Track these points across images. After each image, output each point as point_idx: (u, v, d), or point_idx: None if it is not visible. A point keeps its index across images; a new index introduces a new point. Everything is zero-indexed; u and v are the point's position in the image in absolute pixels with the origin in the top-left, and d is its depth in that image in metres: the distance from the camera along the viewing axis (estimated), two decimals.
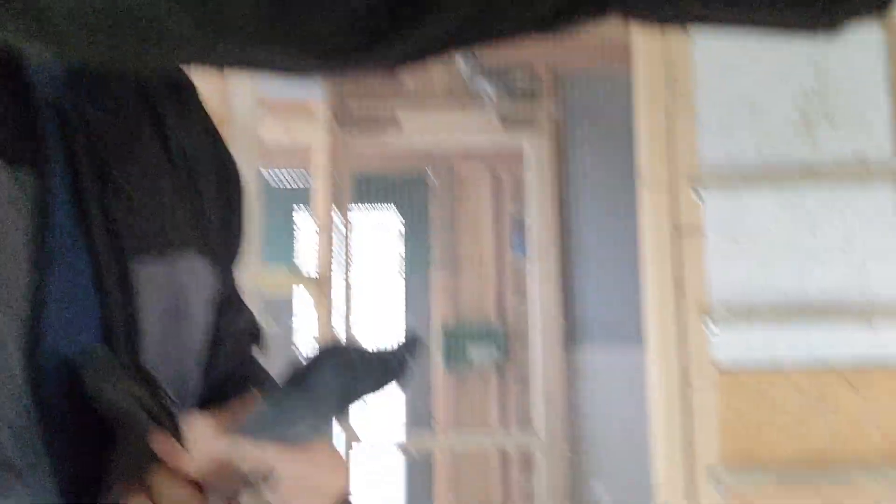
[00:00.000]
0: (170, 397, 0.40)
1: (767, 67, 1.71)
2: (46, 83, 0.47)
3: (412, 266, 4.25)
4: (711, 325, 1.60)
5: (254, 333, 0.68)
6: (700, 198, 1.65)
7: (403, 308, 4.33)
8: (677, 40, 1.69)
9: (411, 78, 3.75)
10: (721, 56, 1.71)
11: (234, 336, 0.64)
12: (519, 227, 3.96)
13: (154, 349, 0.48)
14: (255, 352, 0.68)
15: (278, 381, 0.44)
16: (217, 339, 0.60)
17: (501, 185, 4.06)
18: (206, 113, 0.63)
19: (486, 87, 3.52)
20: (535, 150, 3.60)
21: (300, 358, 0.43)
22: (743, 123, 1.69)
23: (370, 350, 0.43)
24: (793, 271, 1.64)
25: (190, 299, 0.52)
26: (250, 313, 0.68)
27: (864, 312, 1.58)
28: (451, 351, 3.87)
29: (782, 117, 1.69)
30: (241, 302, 0.66)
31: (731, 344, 1.62)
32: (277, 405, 0.42)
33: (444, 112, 3.56)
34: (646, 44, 1.70)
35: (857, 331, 1.62)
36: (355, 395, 0.43)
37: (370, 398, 0.44)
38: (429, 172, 4.13)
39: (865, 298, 1.63)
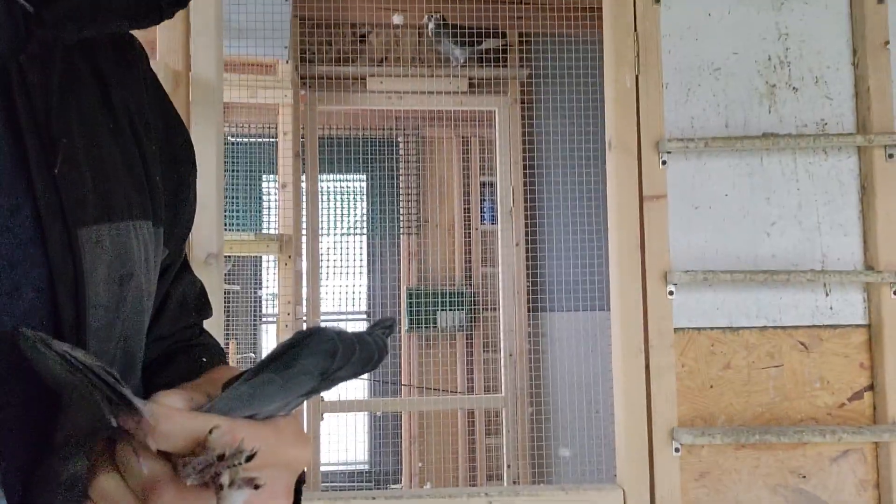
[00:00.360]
0: (109, 372, 0.39)
1: (733, 35, 1.73)
2: None
3: (379, 229, 4.24)
4: (671, 289, 1.64)
5: (200, 302, 0.69)
6: (664, 163, 1.67)
7: (370, 271, 4.33)
8: (646, 6, 1.70)
9: (379, 40, 3.70)
10: (688, 23, 1.72)
11: (178, 301, 0.65)
12: (488, 192, 3.97)
13: (101, 313, 0.49)
14: (203, 320, 0.70)
15: (259, 361, 0.44)
16: (162, 304, 0.61)
17: (469, 149, 4.05)
18: (153, 77, 0.64)
19: (455, 51, 3.49)
20: (503, 114, 3.60)
21: (283, 341, 0.44)
22: (707, 90, 1.71)
23: (352, 335, 0.43)
24: (749, 237, 1.69)
25: (134, 264, 0.52)
26: (199, 283, 0.69)
27: (816, 277, 1.63)
28: (417, 315, 3.90)
29: (746, 85, 1.72)
30: (188, 269, 0.67)
31: (688, 307, 1.66)
32: (254, 386, 0.42)
33: (413, 75, 3.53)
34: (615, 9, 1.70)
35: (810, 295, 1.67)
36: (334, 380, 0.43)
37: (345, 381, 0.45)
38: (396, 135, 4.10)
39: (818, 264, 1.68)
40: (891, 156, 1.66)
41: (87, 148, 0.51)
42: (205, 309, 0.70)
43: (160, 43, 1.67)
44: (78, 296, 0.47)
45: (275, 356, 0.41)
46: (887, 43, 1.68)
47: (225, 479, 0.39)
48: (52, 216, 0.47)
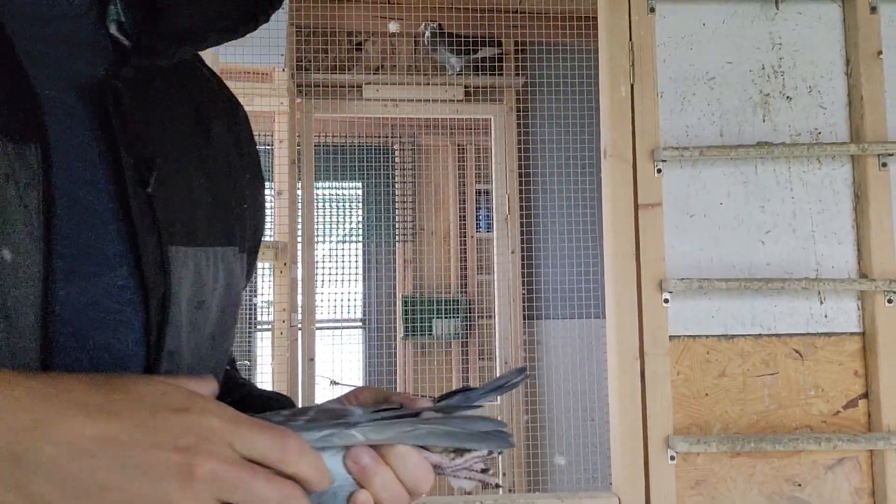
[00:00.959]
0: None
1: (727, 45, 1.74)
2: (82, 66, 0.48)
3: (375, 237, 4.24)
4: (666, 297, 1.64)
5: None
6: (659, 172, 1.68)
7: (365, 279, 4.33)
8: (641, 16, 1.71)
9: (376, 49, 3.71)
10: (682, 32, 1.73)
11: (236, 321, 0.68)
12: (484, 200, 3.97)
13: (176, 334, 0.49)
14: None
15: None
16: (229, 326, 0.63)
17: (465, 157, 4.06)
18: (247, 121, 0.67)
19: (451, 59, 3.50)
20: (498, 122, 3.61)
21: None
22: (702, 99, 1.72)
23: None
24: (743, 245, 1.69)
25: (207, 292, 0.53)
26: None
27: (810, 285, 1.63)
28: (413, 323, 3.89)
29: (741, 94, 1.73)
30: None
31: (683, 315, 1.67)
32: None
33: (409, 83, 3.54)
34: (610, 19, 1.71)
35: (804, 303, 1.68)
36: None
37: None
38: (392, 143, 4.11)
39: (812, 272, 1.69)
40: (884, 165, 1.67)
41: (177, 170, 0.52)
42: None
43: None
44: (163, 314, 0.48)
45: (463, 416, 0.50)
46: (880, 53, 1.69)
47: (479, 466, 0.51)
48: (146, 232, 0.47)
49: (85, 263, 0.45)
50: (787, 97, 1.73)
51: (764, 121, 1.72)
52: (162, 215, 0.48)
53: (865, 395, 1.66)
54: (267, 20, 0.56)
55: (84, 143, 0.47)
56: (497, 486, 0.53)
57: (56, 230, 0.44)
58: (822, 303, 1.68)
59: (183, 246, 0.50)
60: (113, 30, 0.51)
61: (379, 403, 0.52)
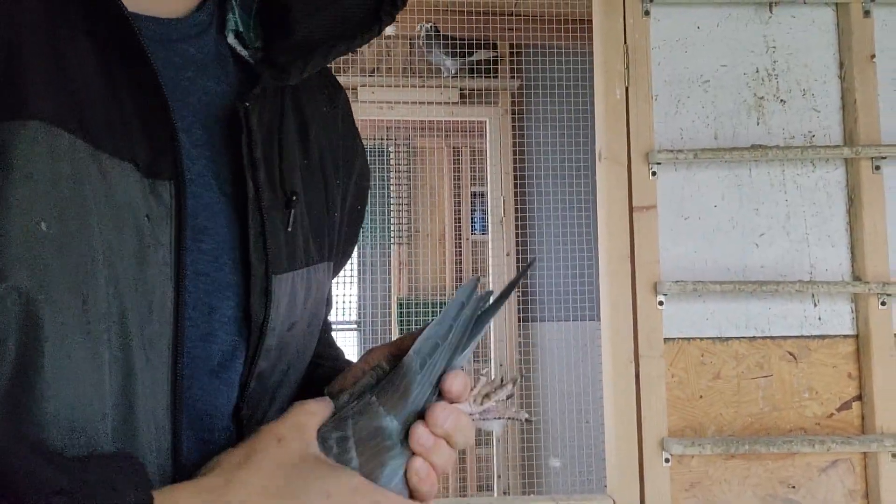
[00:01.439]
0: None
1: (722, 48, 1.74)
2: (210, 87, 0.49)
3: (370, 239, 4.24)
4: (661, 299, 1.64)
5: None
6: (654, 174, 1.68)
7: (360, 281, 4.33)
8: (636, 19, 1.71)
9: (371, 51, 3.71)
10: (677, 35, 1.74)
11: (324, 326, 0.69)
12: (479, 202, 3.97)
13: (271, 356, 0.50)
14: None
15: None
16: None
17: (460, 159, 4.06)
18: (348, 109, 0.65)
19: (446, 61, 3.50)
20: (493, 124, 3.61)
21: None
22: (696, 102, 1.73)
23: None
24: (738, 247, 1.70)
25: (299, 312, 0.54)
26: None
27: (804, 288, 1.64)
28: (408, 325, 3.89)
29: (735, 97, 1.73)
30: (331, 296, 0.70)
31: (678, 317, 1.67)
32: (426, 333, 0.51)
33: (404, 85, 3.54)
34: (605, 22, 1.72)
35: (798, 305, 1.68)
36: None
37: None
38: (387, 145, 4.11)
39: (806, 275, 1.69)
40: (877, 168, 1.67)
41: (307, 196, 0.53)
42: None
43: None
44: (259, 340, 0.49)
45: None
46: (873, 56, 1.70)
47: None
48: (259, 263, 0.48)
49: (205, 296, 0.46)
50: (781, 100, 1.73)
51: (758, 124, 1.73)
52: (271, 243, 0.49)
53: (859, 398, 1.67)
54: (392, 21, 0.55)
55: (210, 172, 0.48)
56: (527, 420, 0.56)
57: (184, 265, 0.45)
58: (815, 305, 1.69)
59: (284, 273, 0.50)
60: (231, 39, 0.51)
61: (391, 359, 0.53)
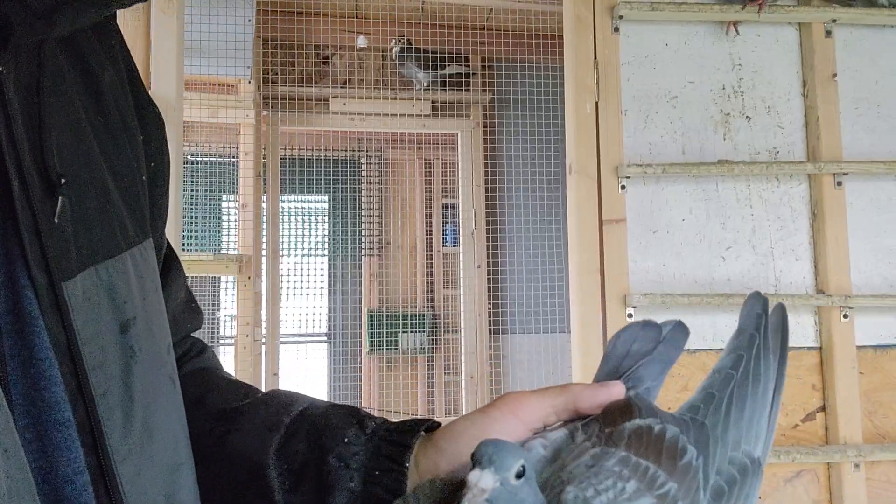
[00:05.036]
0: None
1: (689, 65, 1.77)
2: None
3: (341, 251, 4.22)
4: (630, 311, 1.66)
5: (194, 303, 0.60)
6: (623, 188, 1.70)
7: (331, 293, 4.30)
8: (605, 35, 1.74)
9: (343, 62, 3.71)
10: (646, 52, 1.77)
11: (180, 306, 0.57)
12: (450, 215, 3.98)
13: (103, 375, 0.41)
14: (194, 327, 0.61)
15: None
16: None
17: (432, 171, 4.07)
18: (129, 57, 0.52)
19: (418, 74, 3.52)
20: (465, 137, 3.63)
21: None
22: (665, 117, 1.75)
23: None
24: (705, 261, 1.72)
25: (135, 303, 0.44)
26: (187, 288, 0.60)
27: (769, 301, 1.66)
28: (378, 337, 3.87)
29: (702, 113, 1.76)
30: (176, 265, 0.58)
31: None
32: None
33: (376, 97, 3.54)
34: (576, 38, 1.74)
35: None
36: None
37: None
38: (359, 157, 4.10)
39: (772, 288, 1.72)
40: (839, 183, 1.71)
41: (79, 170, 0.42)
42: (198, 311, 0.60)
43: None
44: (75, 361, 0.39)
45: None
46: (835, 75, 1.74)
47: None
48: (40, 271, 0.38)
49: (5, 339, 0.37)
50: (747, 116, 1.77)
51: (724, 139, 1.76)
52: (55, 243, 0.38)
53: (823, 409, 1.70)
54: None
55: None
56: None
57: None
58: None
59: (82, 272, 0.40)
60: None
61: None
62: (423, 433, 0.48)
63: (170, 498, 0.44)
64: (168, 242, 0.56)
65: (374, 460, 0.47)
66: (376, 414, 0.53)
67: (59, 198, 0.39)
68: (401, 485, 0.46)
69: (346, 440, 0.48)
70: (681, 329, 0.50)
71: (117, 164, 0.46)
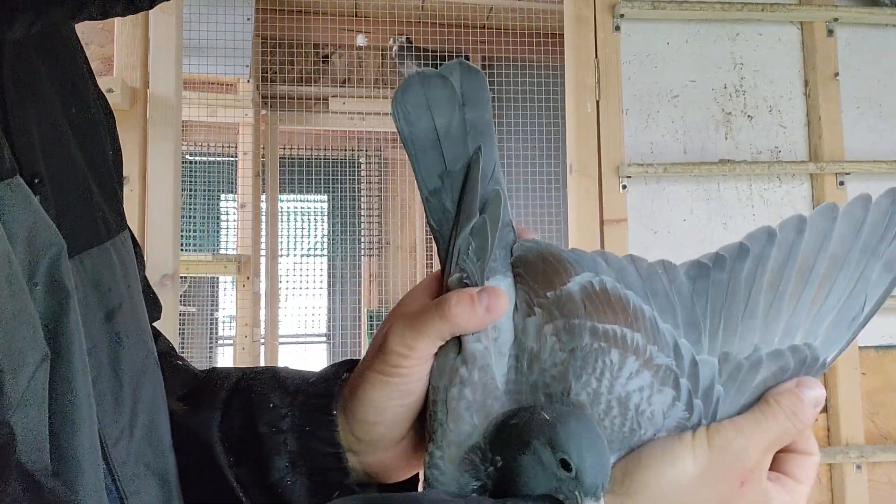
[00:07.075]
0: None
1: (691, 64, 1.77)
2: None
3: (340, 251, 4.21)
4: None
5: (151, 298, 0.59)
6: (624, 188, 1.69)
7: (330, 293, 4.29)
8: (606, 34, 1.73)
9: (342, 61, 3.70)
10: (647, 51, 1.76)
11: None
12: None
13: (103, 368, 0.41)
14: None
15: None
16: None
17: None
18: (85, 53, 0.50)
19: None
20: None
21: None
22: (666, 117, 1.75)
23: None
24: None
25: (120, 290, 0.45)
26: (146, 279, 0.58)
27: None
28: None
29: (704, 112, 1.76)
30: (140, 261, 0.57)
31: None
32: None
33: (375, 96, 3.53)
34: (576, 37, 1.73)
35: None
36: None
37: None
38: (358, 156, 4.09)
39: None
40: (841, 183, 1.70)
41: (55, 164, 0.41)
42: (157, 301, 0.59)
43: (118, 59, 1.64)
44: (65, 346, 0.37)
45: None
46: (837, 74, 1.74)
47: None
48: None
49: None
50: (749, 116, 1.76)
51: (726, 138, 1.75)
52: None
53: (825, 410, 1.69)
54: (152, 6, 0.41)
55: None
56: None
57: None
58: None
59: (72, 257, 0.39)
60: None
61: None
62: (346, 374, 0.49)
63: (162, 479, 0.45)
64: (131, 232, 0.56)
65: (302, 417, 0.48)
66: None
67: (37, 196, 0.38)
68: (334, 434, 0.47)
69: (271, 405, 0.49)
70: (472, 74, 0.45)
71: (94, 154, 0.46)
